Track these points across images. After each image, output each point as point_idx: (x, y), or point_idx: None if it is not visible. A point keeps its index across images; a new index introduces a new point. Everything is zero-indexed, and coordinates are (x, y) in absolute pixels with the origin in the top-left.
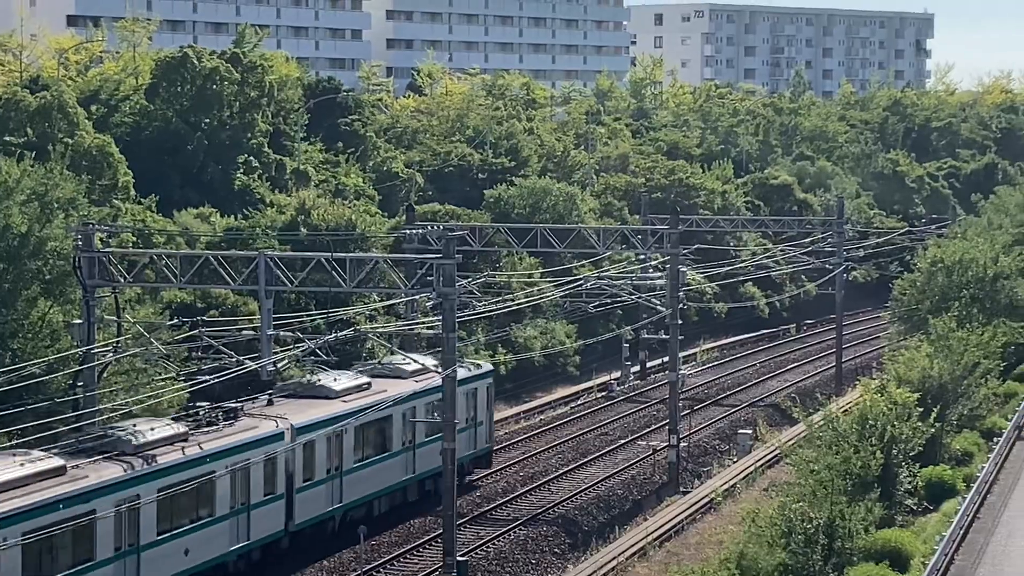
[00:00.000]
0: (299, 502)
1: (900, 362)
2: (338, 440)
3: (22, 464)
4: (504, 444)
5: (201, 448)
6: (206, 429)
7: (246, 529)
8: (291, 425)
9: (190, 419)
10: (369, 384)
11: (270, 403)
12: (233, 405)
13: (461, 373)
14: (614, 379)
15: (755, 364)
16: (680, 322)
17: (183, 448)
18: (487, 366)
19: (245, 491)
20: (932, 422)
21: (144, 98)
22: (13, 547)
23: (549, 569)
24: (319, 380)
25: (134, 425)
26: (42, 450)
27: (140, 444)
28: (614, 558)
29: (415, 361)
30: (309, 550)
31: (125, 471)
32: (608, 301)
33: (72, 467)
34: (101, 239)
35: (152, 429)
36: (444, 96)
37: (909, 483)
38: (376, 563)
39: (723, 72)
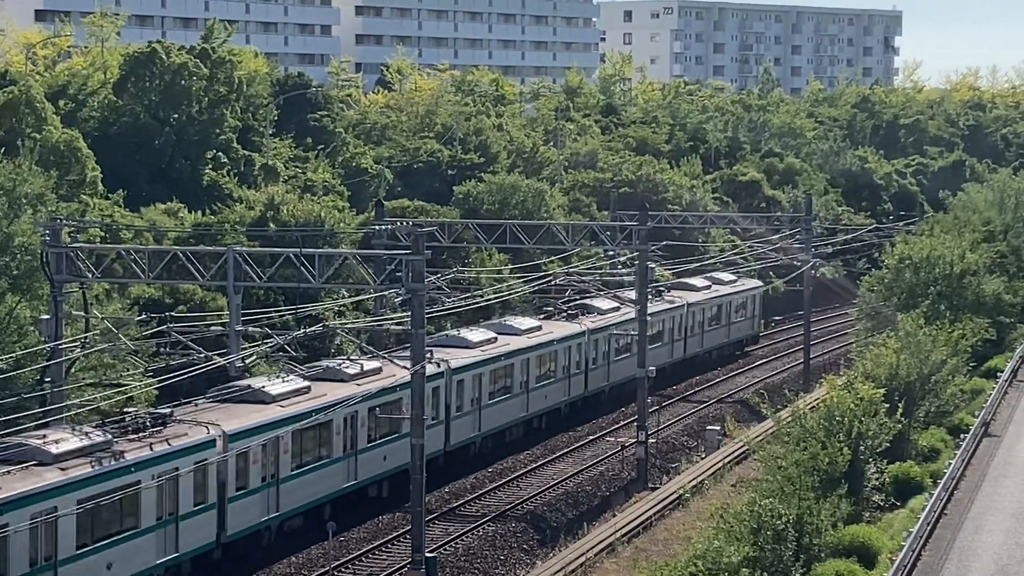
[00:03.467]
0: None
1: (868, 358)
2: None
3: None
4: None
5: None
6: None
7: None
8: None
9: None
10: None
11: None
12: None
13: (748, 284)
14: None
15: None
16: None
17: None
18: (758, 282)
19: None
20: (899, 418)
21: (112, 93)
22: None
23: (518, 565)
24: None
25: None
26: None
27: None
28: (582, 554)
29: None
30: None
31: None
32: (577, 297)
33: None
34: (69, 234)
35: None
36: (413, 92)
37: (876, 479)
38: (345, 559)
39: (692, 69)
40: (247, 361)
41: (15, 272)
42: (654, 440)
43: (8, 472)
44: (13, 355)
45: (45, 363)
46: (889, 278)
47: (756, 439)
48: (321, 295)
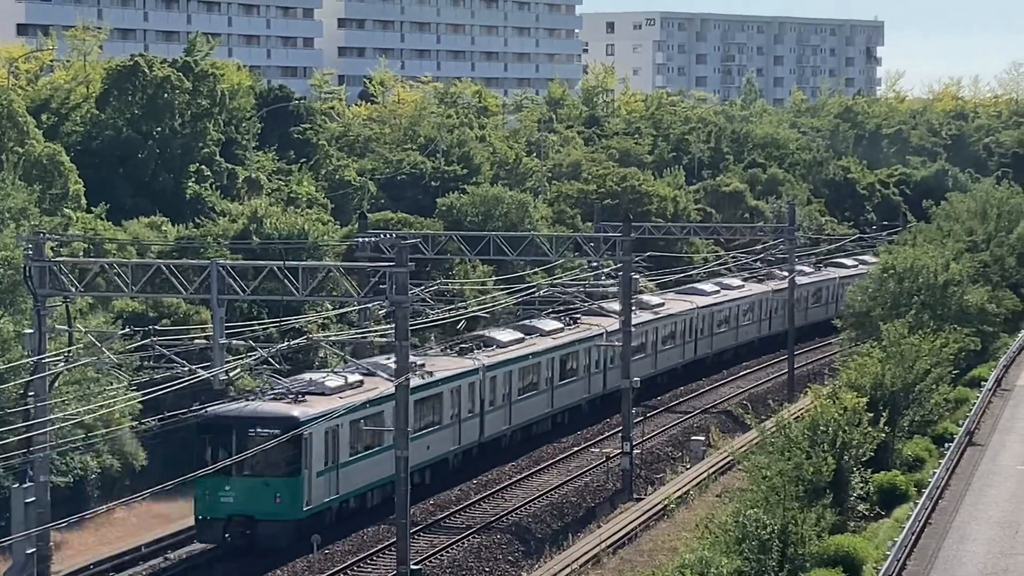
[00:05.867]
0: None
1: (852, 368)
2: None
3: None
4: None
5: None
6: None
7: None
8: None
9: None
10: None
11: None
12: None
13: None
14: None
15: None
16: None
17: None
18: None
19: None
20: (883, 427)
21: (95, 107)
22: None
23: None
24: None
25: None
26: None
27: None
28: (567, 565)
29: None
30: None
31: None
32: (561, 309)
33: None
34: (52, 248)
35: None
36: (396, 104)
37: (861, 489)
38: (330, 571)
39: (674, 80)
40: (231, 374)
41: None
42: (639, 451)
43: (307, 398)
44: None
45: (28, 377)
46: (873, 288)
47: (740, 449)
48: (305, 308)
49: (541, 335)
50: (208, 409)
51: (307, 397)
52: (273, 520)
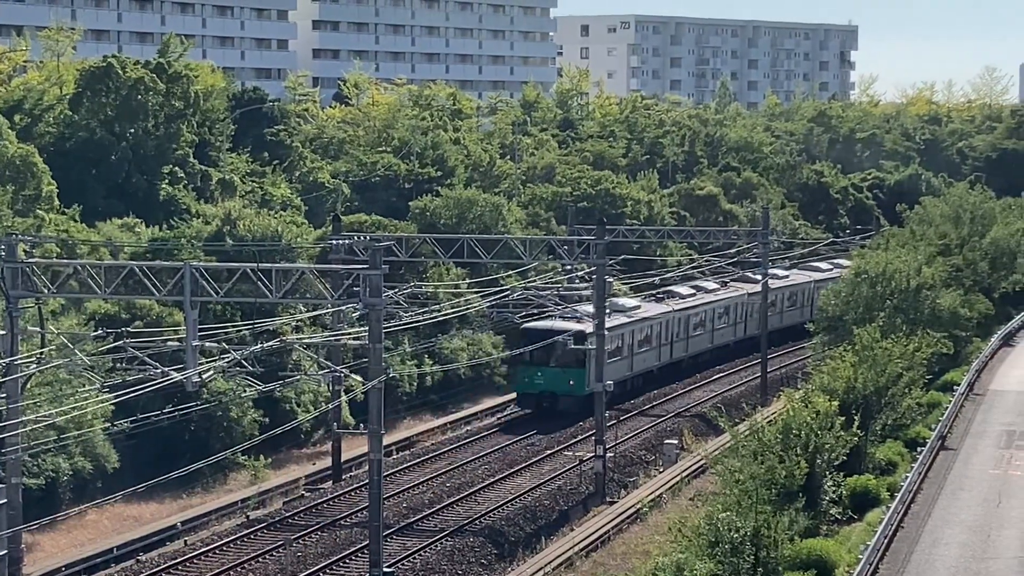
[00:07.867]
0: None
1: (824, 372)
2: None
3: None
4: (430, 455)
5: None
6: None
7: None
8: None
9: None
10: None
11: None
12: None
13: None
14: None
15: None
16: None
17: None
18: None
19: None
20: (855, 431)
21: (68, 108)
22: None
23: None
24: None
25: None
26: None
27: (584, 315)
28: (540, 569)
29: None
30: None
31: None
32: (535, 312)
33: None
34: (24, 250)
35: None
36: (370, 106)
37: (834, 492)
38: (302, 574)
39: (649, 83)
40: (204, 376)
41: None
42: (612, 454)
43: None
44: None
45: (0, 379)
46: (845, 292)
47: (714, 453)
48: (278, 310)
49: (706, 292)
50: (526, 323)
51: (584, 319)
52: (568, 396)
